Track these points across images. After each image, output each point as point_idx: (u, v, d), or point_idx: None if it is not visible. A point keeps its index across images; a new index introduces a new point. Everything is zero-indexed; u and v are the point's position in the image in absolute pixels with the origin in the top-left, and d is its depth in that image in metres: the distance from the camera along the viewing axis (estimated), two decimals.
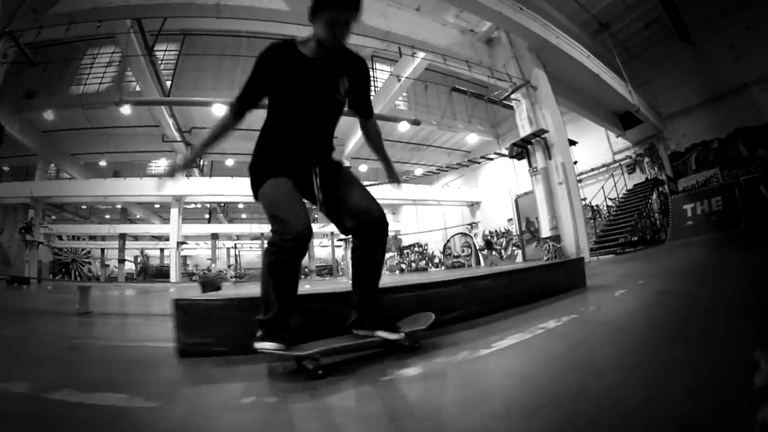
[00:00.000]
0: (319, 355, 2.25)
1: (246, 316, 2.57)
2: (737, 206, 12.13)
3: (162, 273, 33.74)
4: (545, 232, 12.28)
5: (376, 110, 24.34)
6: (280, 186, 2.40)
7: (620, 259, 11.37)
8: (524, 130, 13.07)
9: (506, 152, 14.70)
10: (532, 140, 13.04)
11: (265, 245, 2.34)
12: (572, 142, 15.13)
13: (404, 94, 25.35)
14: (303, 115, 2.44)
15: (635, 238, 15.16)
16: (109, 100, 16.13)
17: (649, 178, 19.61)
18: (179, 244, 25.71)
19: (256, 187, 2.52)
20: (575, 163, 15.00)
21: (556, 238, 11.84)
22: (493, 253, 27.61)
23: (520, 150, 13.28)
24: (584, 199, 19.73)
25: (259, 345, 2.27)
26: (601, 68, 15.96)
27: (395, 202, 32.80)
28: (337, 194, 2.52)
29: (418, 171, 29.98)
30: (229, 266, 35.20)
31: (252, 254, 37.55)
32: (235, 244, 36.53)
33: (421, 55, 16.71)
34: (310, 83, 2.39)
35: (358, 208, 2.44)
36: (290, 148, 2.48)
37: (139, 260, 33.58)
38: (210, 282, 13.07)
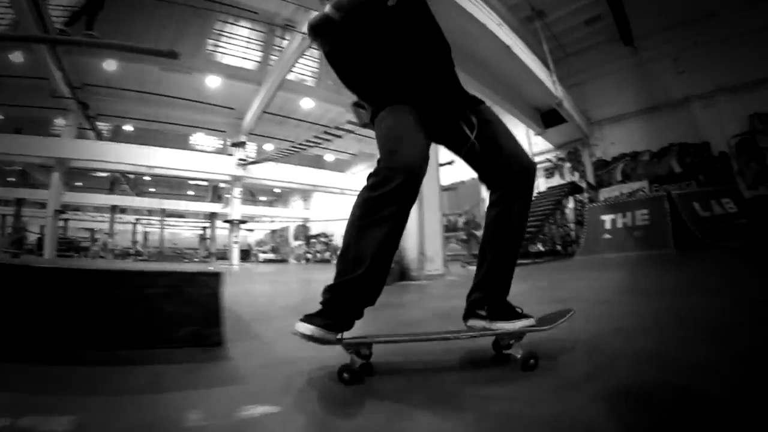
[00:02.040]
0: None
1: None
2: (666, 223, 9.20)
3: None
4: None
5: (272, 78, 19.51)
6: (402, 116, 1.71)
7: None
8: None
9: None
10: None
11: (360, 191, 1.63)
12: None
13: (313, 67, 21.11)
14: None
15: (543, 249, 12.35)
16: None
17: None
18: (57, 212, 20.90)
19: (375, 111, 1.83)
20: None
21: None
22: None
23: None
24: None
25: (300, 327, 1.55)
26: (515, 41, 11.72)
27: (306, 188, 28.58)
28: (486, 137, 1.79)
29: (329, 156, 25.55)
30: (134, 243, 29.56)
31: (161, 233, 31.50)
32: (137, 219, 30.68)
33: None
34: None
35: (505, 152, 1.78)
36: (413, 69, 1.78)
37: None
38: None
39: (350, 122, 11.62)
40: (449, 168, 9.56)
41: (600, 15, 15.39)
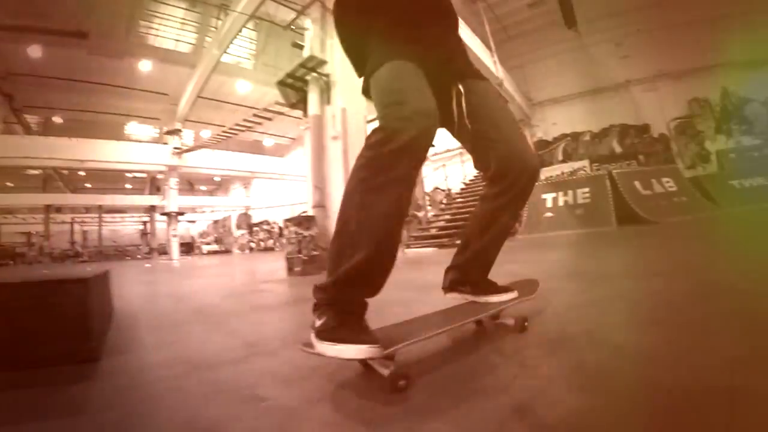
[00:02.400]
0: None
1: None
2: (608, 201, 9.22)
3: None
4: (310, 209, 6.78)
5: (207, 60, 18.15)
6: (410, 71, 1.40)
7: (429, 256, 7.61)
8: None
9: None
10: (308, 78, 7.66)
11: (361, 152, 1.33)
12: None
13: (249, 49, 20.32)
14: None
15: None
16: None
17: None
18: None
19: (370, 70, 1.46)
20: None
21: (306, 221, 6.25)
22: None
23: (302, 96, 7.83)
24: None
25: (326, 347, 1.20)
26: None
27: (245, 175, 27.45)
28: (482, 118, 1.58)
29: (268, 141, 24.59)
30: (73, 243, 27.71)
31: (99, 231, 29.76)
32: (73, 218, 28.68)
33: None
34: None
35: (511, 146, 1.58)
36: (427, 27, 1.57)
37: None
38: None
39: (278, 103, 10.72)
40: None
41: None
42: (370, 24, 1.51)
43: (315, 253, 5.88)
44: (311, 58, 7.30)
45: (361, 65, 1.58)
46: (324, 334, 1.19)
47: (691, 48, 13.71)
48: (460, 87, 1.57)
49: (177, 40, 19.42)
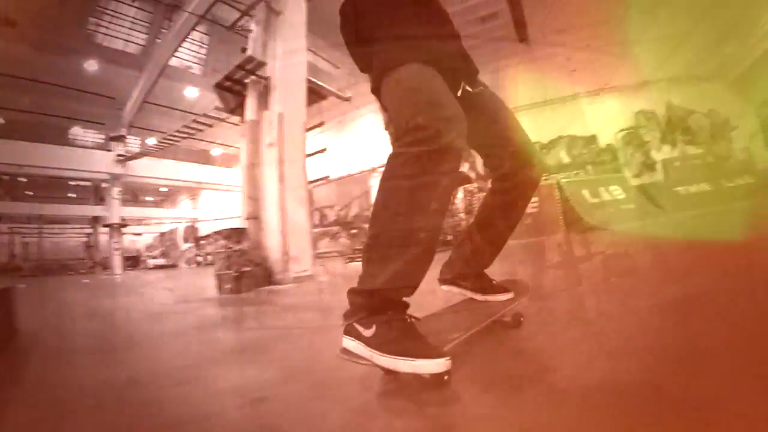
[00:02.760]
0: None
1: None
2: (556, 210, 9.09)
3: None
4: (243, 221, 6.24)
5: (154, 63, 16.73)
6: (432, 76, 1.37)
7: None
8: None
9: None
10: (247, 81, 7.04)
11: (397, 148, 1.28)
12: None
13: (198, 52, 19.58)
14: None
15: None
16: None
17: None
18: None
19: (388, 66, 1.42)
20: (319, 124, 9.49)
21: (235, 234, 5.70)
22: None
23: (241, 100, 7.25)
24: None
25: (399, 362, 1.14)
26: None
27: (192, 185, 26.66)
28: (493, 117, 1.64)
29: (216, 151, 23.73)
30: (14, 256, 25.76)
31: (40, 242, 27.75)
32: (11, 228, 26.50)
33: None
34: None
35: (524, 145, 1.66)
36: (437, 28, 1.58)
37: None
38: None
39: (217, 108, 10.04)
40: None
41: (497, 12, 15.33)
42: (381, 21, 1.48)
43: (246, 269, 5.34)
44: (249, 59, 6.79)
45: (366, 62, 1.52)
46: (387, 347, 1.14)
47: (637, 63, 14.13)
48: (472, 88, 1.57)
49: (126, 41, 18.39)
